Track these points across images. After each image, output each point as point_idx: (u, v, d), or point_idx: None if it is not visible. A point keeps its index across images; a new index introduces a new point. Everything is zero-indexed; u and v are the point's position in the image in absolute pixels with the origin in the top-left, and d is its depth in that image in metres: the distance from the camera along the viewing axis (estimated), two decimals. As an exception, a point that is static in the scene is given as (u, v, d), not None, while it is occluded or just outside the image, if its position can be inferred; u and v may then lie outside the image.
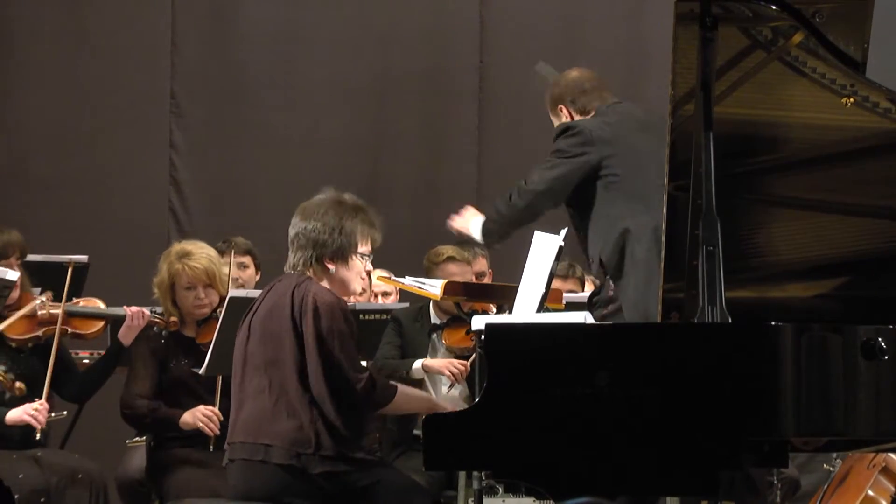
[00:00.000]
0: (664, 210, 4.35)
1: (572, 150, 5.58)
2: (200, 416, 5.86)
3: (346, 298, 5.08)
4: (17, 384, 5.92)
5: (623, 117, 5.72)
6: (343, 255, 5.02)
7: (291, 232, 5.05)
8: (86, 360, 6.60)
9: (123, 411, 6.05)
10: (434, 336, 6.89)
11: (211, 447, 5.83)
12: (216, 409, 5.83)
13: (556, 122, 5.86)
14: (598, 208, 5.56)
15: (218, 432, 5.80)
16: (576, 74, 5.88)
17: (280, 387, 4.88)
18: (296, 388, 4.86)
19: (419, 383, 6.71)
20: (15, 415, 5.89)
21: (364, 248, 5.07)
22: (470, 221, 5.89)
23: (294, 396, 4.86)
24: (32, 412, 5.85)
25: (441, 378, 6.76)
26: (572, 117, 5.79)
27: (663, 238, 4.36)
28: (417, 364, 6.69)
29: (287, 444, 4.83)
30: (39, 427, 5.88)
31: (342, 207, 5.05)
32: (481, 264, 7.11)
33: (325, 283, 5.01)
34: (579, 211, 5.64)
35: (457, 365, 6.62)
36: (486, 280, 7.03)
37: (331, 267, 5.01)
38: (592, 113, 5.75)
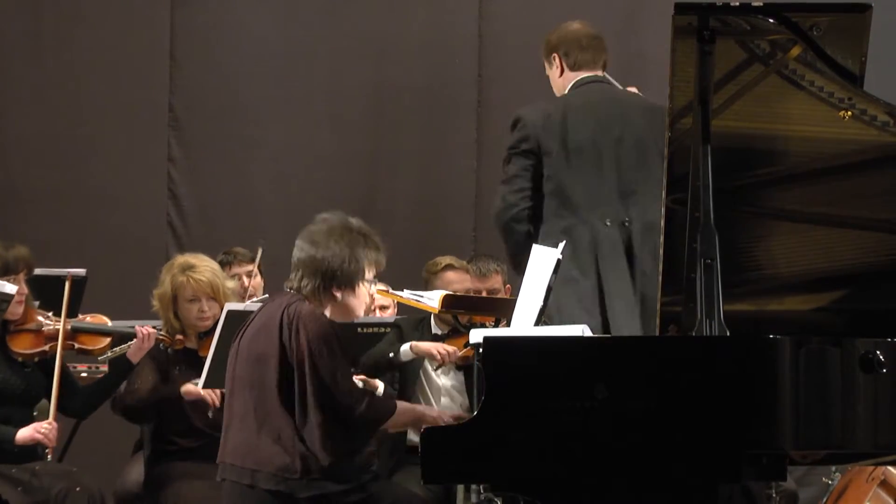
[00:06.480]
0: (662, 223, 4.35)
1: (516, 145, 5.56)
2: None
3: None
4: None
5: (584, 105, 5.60)
6: (351, 283, 4.94)
7: (297, 255, 4.96)
8: (84, 374, 6.59)
9: (122, 403, 6.05)
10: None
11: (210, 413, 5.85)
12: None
13: (548, 70, 5.78)
14: (543, 225, 5.52)
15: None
16: (577, 27, 5.79)
17: (265, 410, 4.82)
18: (280, 412, 4.80)
19: (411, 373, 6.67)
20: (25, 434, 5.88)
21: (370, 274, 5.01)
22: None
23: (279, 420, 4.80)
24: (43, 431, 5.85)
25: (438, 391, 6.76)
26: (563, 70, 5.71)
27: (661, 251, 4.35)
28: (406, 346, 6.63)
29: (273, 470, 4.78)
30: (51, 446, 5.88)
31: (350, 235, 4.96)
32: (496, 280, 7.05)
33: (328, 309, 4.94)
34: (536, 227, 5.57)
35: (446, 347, 6.55)
36: (502, 296, 6.93)
37: (338, 295, 4.94)
38: (581, 73, 5.67)
